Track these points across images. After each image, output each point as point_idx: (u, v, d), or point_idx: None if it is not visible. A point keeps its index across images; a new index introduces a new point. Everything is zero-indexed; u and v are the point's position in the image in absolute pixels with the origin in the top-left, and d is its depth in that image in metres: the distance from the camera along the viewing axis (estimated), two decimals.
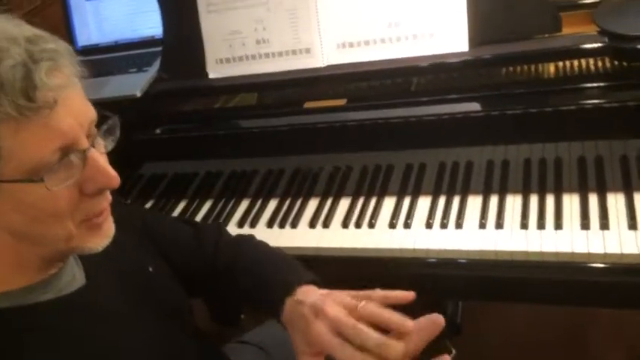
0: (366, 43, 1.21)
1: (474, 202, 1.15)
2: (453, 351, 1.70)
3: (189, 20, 1.32)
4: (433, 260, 1.08)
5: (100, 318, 0.73)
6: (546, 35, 1.10)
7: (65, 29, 1.59)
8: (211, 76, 1.33)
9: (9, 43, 0.59)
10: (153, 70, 1.42)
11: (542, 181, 1.14)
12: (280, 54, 1.28)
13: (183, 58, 1.34)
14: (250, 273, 0.93)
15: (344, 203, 1.22)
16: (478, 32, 1.13)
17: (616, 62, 1.06)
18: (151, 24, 1.56)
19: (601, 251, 0.98)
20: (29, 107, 0.58)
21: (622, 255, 0.96)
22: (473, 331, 1.72)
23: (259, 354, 1.16)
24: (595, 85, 1.05)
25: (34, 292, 0.68)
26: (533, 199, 1.11)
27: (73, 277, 0.74)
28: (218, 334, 1.79)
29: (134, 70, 1.48)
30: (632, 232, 0.99)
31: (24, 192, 0.62)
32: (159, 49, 1.39)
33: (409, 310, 0.91)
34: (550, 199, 1.10)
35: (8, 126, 0.59)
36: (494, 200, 1.13)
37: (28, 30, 0.62)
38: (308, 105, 1.23)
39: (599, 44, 1.05)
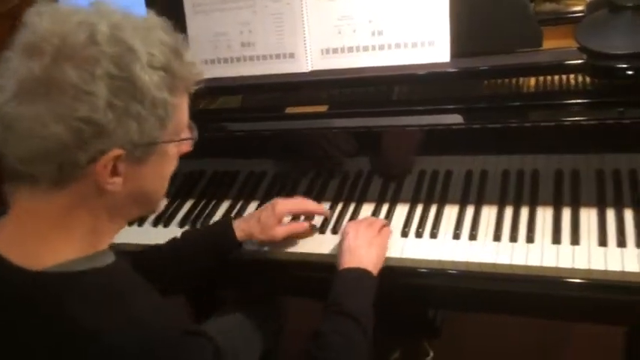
0: (350, 50, 1.22)
1: (451, 212, 1.16)
2: (431, 353, 1.73)
3: (175, 19, 1.31)
4: (406, 269, 1.09)
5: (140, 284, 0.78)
6: (528, 50, 1.10)
7: None
8: None
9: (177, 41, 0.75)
10: None
11: (518, 193, 1.15)
12: (265, 57, 1.29)
13: None
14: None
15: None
16: (460, 44, 1.13)
17: (595, 79, 1.07)
18: None
19: (569, 266, 0.99)
20: (192, 85, 0.76)
21: (589, 271, 0.98)
22: (451, 334, 1.74)
23: None
24: (573, 101, 1.06)
25: (100, 257, 0.75)
26: (508, 211, 1.12)
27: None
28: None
29: None
30: (601, 248, 1.00)
31: (168, 152, 0.75)
32: None
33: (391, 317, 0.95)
34: (524, 212, 1.11)
35: (181, 99, 0.74)
36: (470, 211, 1.15)
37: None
38: (290, 110, 1.24)
39: (579, 61, 1.05)
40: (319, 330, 0.93)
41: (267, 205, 1.15)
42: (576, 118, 1.05)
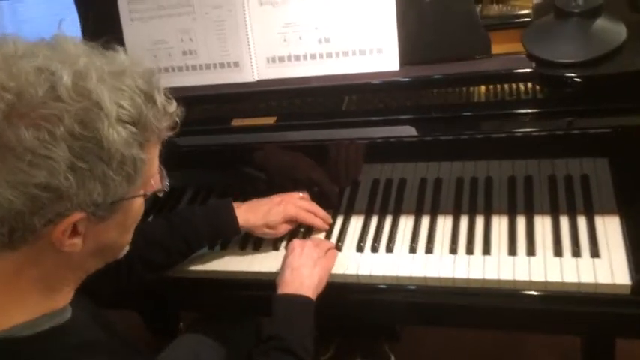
0: (297, 58, 1.17)
1: (406, 224, 1.13)
2: (392, 357, 1.72)
3: (111, 27, 1.24)
4: (363, 285, 1.07)
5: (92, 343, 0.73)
6: (477, 57, 1.08)
7: None
8: None
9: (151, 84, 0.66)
10: None
11: (473, 202, 1.13)
12: (208, 66, 1.23)
13: None
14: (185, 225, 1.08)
15: None
16: (409, 52, 1.10)
17: (544, 87, 1.05)
18: (75, 29, 1.46)
19: (526, 278, 0.98)
20: (166, 133, 0.69)
21: (547, 283, 0.97)
22: (412, 338, 1.73)
23: None
24: (523, 111, 1.04)
25: (57, 316, 0.70)
26: (464, 222, 1.10)
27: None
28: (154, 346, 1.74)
29: None
30: (556, 258, 0.99)
31: (135, 203, 0.69)
32: None
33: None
34: (480, 222, 1.09)
35: (152, 151, 0.68)
36: (425, 222, 1.12)
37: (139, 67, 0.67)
38: (237, 123, 1.19)
39: (527, 69, 1.03)
40: None
41: (278, 200, 1.13)
42: (526, 130, 1.03)
